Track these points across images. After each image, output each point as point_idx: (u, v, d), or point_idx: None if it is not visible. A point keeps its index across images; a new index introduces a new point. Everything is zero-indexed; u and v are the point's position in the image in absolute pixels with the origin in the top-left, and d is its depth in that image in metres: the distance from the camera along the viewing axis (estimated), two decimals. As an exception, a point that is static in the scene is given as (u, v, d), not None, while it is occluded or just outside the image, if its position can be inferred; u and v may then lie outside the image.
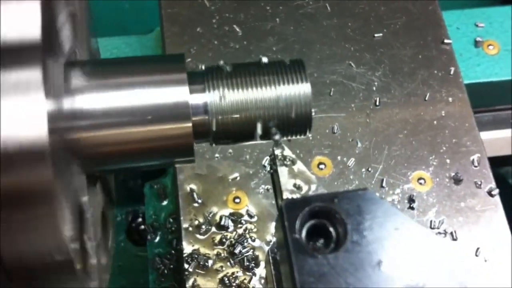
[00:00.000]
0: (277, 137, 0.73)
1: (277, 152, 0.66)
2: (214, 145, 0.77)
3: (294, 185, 0.60)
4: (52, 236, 0.61)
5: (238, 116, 0.72)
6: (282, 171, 0.62)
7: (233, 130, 0.73)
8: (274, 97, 0.72)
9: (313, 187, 0.58)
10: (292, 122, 0.73)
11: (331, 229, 0.51)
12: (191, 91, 0.71)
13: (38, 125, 0.57)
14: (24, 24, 0.58)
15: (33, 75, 0.57)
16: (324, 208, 0.50)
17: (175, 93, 0.71)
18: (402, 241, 0.50)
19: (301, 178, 0.60)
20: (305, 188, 0.58)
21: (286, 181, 0.59)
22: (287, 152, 0.66)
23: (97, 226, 0.81)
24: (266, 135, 0.75)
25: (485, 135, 1.45)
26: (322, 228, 0.51)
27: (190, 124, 0.71)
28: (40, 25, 0.59)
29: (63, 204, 0.61)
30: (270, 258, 0.63)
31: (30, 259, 0.62)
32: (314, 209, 0.50)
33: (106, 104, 0.70)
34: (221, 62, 0.76)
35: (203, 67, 0.76)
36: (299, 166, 0.63)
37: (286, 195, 0.57)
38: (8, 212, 0.58)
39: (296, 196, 0.57)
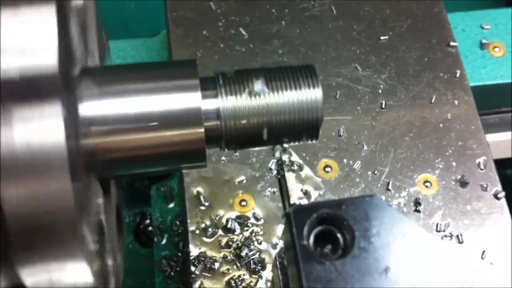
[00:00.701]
0: (285, 143, 0.74)
1: (285, 157, 0.67)
2: (225, 150, 0.78)
3: (301, 190, 0.60)
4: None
5: (250, 121, 0.73)
6: (289, 177, 0.62)
7: (245, 135, 0.74)
8: (286, 103, 0.73)
9: (321, 192, 0.58)
10: (302, 128, 0.74)
11: (339, 235, 0.51)
12: (203, 97, 0.72)
13: (55, 132, 0.57)
14: (40, 43, 0.57)
15: (49, 84, 0.57)
16: (331, 214, 0.51)
17: (188, 99, 0.72)
18: (409, 247, 0.51)
19: (309, 183, 0.60)
20: (313, 193, 0.58)
21: (293, 186, 0.59)
22: (295, 157, 0.66)
23: (113, 228, 0.81)
24: (275, 140, 0.75)
25: (491, 137, 1.45)
26: (330, 234, 0.51)
27: (202, 130, 0.72)
28: (57, 42, 0.58)
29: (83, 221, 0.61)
30: (278, 262, 0.63)
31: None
32: (322, 215, 0.51)
33: (119, 110, 0.70)
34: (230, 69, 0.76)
35: (215, 73, 0.76)
36: (306, 171, 0.63)
37: (293, 200, 0.58)
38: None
39: (303, 201, 0.57)
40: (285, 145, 0.71)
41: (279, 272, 0.63)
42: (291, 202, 0.58)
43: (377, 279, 0.49)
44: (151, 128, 0.71)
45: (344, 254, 0.50)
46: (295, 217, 0.51)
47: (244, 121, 0.73)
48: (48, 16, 0.58)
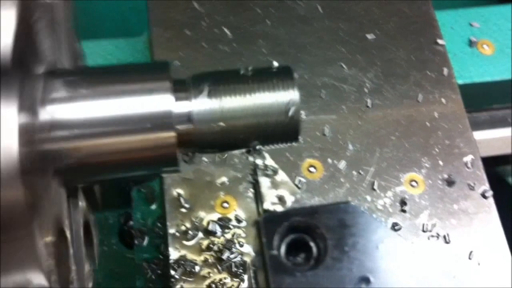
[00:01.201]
0: (257, 146, 0.72)
1: (259, 161, 0.65)
2: (194, 153, 0.76)
3: (276, 195, 0.58)
4: (30, 263, 0.59)
5: (223, 124, 0.71)
6: (263, 182, 0.60)
7: (218, 139, 0.72)
8: (260, 105, 0.71)
9: (297, 197, 0.56)
10: (278, 131, 0.72)
11: (312, 244, 0.49)
12: (176, 99, 0.70)
13: (8, 138, 0.55)
14: None
15: (4, 88, 0.55)
16: (303, 222, 0.48)
17: (158, 102, 0.70)
18: (387, 256, 0.48)
19: (284, 188, 0.58)
20: (288, 198, 0.56)
21: (267, 192, 0.57)
22: (269, 161, 0.64)
23: (79, 237, 0.79)
24: (251, 143, 0.73)
25: (482, 135, 1.44)
26: (303, 242, 0.49)
27: (173, 134, 0.69)
28: (13, 38, 0.56)
29: (39, 227, 0.59)
30: (251, 271, 0.61)
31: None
32: (294, 223, 0.48)
33: (86, 114, 0.68)
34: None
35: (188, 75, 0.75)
36: (281, 176, 0.61)
37: (267, 206, 0.55)
38: None
39: (278, 207, 0.55)
40: (259, 147, 0.68)
41: (253, 281, 0.61)
42: (265, 207, 0.56)
43: (351, 292, 0.47)
44: (119, 132, 0.69)
45: (317, 264, 0.48)
46: (265, 226, 0.49)
47: (217, 124, 0.71)
48: (6, 14, 0.57)
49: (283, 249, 0.50)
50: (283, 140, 0.75)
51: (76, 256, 0.76)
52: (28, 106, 0.60)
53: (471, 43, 1.38)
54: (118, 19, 1.57)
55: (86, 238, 0.83)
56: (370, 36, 1.23)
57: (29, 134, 0.59)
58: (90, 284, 0.85)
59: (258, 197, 0.64)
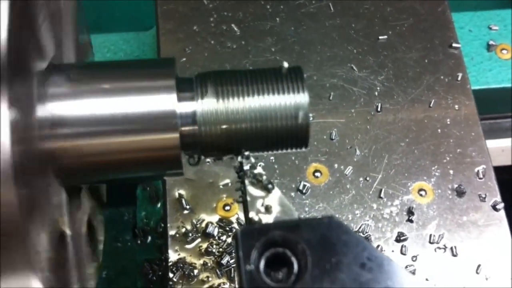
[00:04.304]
0: (270, 151, 0.69)
1: (246, 168, 0.62)
2: (203, 157, 0.73)
3: (262, 205, 0.55)
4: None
5: (229, 127, 0.67)
6: (251, 190, 0.57)
7: (223, 142, 0.68)
8: (268, 108, 0.68)
9: (285, 209, 0.53)
10: (286, 135, 0.69)
11: (293, 260, 0.46)
12: (180, 99, 0.67)
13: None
14: None
15: None
16: (283, 237, 0.46)
17: (162, 101, 0.67)
18: (371, 278, 0.46)
19: (271, 198, 0.55)
20: (275, 209, 0.53)
21: (253, 200, 0.54)
22: (258, 169, 0.61)
23: (80, 240, 0.77)
24: (258, 148, 0.70)
25: (499, 143, 1.39)
26: (285, 257, 0.47)
27: (177, 135, 0.67)
28: (7, 32, 0.54)
29: (35, 230, 0.57)
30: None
31: None
32: (273, 238, 0.46)
33: (87, 111, 0.66)
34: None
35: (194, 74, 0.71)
36: (276, 193, 0.58)
37: (252, 215, 0.53)
38: None
39: (264, 216, 0.52)
40: (248, 154, 0.65)
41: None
42: (250, 216, 0.54)
43: (330, 313, 0.44)
44: (121, 131, 0.67)
45: (297, 281, 0.45)
46: (242, 239, 0.46)
47: (222, 127, 0.67)
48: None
49: (262, 264, 0.47)
50: (291, 145, 0.71)
51: (77, 258, 0.74)
52: (23, 102, 0.58)
53: (489, 47, 1.34)
54: (129, 13, 1.55)
55: (89, 238, 0.81)
56: (382, 37, 1.19)
57: (24, 131, 0.57)
58: (93, 284, 0.84)
59: (244, 206, 0.61)
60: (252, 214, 0.56)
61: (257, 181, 0.60)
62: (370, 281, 0.45)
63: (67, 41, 0.78)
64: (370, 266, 0.45)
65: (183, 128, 0.67)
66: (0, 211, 0.53)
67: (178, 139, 0.67)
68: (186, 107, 0.68)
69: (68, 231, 0.71)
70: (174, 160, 0.69)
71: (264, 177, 0.60)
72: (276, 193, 0.60)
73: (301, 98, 0.69)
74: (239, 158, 0.65)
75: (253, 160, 0.66)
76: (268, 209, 0.54)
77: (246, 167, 0.63)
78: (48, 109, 0.64)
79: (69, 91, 0.66)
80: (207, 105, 0.67)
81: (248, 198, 0.57)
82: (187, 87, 0.69)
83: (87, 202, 0.81)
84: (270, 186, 0.60)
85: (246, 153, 0.65)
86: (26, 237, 0.56)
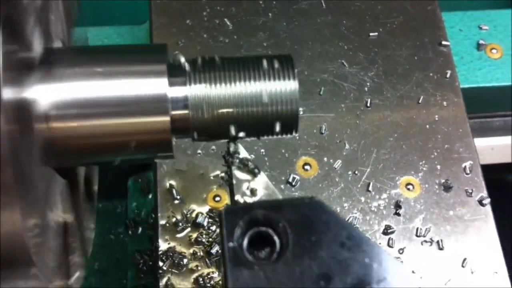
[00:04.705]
0: (260, 137, 0.70)
1: (232, 150, 0.63)
2: (193, 141, 0.74)
3: (248, 188, 0.57)
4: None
5: (220, 111, 0.69)
6: (237, 173, 0.59)
7: (215, 127, 0.70)
8: (258, 93, 0.69)
9: (270, 192, 0.54)
10: (276, 121, 0.70)
11: (276, 238, 0.47)
12: (171, 84, 0.68)
13: None
14: None
15: None
16: (266, 216, 0.47)
17: (153, 85, 0.68)
18: (349, 257, 0.47)
19: (257, 182, 0.56)
20: (260, 192, 0.55)
21: (239, 183, 0.56)
22: (243, 153, 0.62)
23: (80, 219, 0.78)
24: (248, 133, 0.71)
25: (489, 141, 1.41)
26: (267, 236, 0.48)
27: (168, 119, 0.68)
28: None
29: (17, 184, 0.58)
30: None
31: None
32: (256, 216, 0.47)
33: (78, 93, 0.67)
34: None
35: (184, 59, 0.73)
36: (262, 178, 0.59)
37: (237, 197, 0.54)
38: None
39: (248, 200, 0.54)
40: (239, 135, 0.66)
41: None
42: (235, 199, 0.55)
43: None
44: (111, 114, 0.68)
45: (279, 259, 0.47)
46: (226, 217, 0.47)
47: (213, 112, 0.69)
48: None
49: (245, 242, 0.48)
50: (281, 131, 0.72)
51: (68, 244, 0.75)
52: (14, 83, 0.58)
53: (479, 46, 1.36)
54: (124, 7, 1.56)
55: (88, 202, 0.82)
56: (372, 34, 1.21)
57: (16, 113, 0.58)
58: (78, 274, 0.84)
59: (230, 189, 0.62)
60: (237, 197, 0.58)
61: (244, 165, 0.61)
62: (348, 259, 0.46)
63: (59, 27, 0.78)
64: (349, 245, 0.46)
65: (174, 112, 0.68)
66: None
67: (169, 123, 0.68)
68: (177, 91, 0.69)
69: (67, 217, 0.72)
70: (165, 144, 0.70)
71: (250, 162, 0.61)
72: (262, 177, 0.61)
73: (291, 84, 0.70)
74: (227, 143, 0.66)
75: (240, 146, 0.67)
76: (253, 192, 0.56)
77: (232, 149, 0.64)
78: (38, 93, 0.65)
79: (60, 73, 0.67)
80: (198, 90, 0.68)
81: (234, 182, 0.58)
82: (178, 72, 0.70)
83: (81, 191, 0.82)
84: (256, 170, 0.61)
85: (236, 136, 0.66)
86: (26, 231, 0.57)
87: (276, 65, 0.70)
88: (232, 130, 0.70)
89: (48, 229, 0.66)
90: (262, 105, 0.69)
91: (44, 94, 0.65)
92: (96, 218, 0.91)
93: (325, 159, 1.09)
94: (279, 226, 0.47)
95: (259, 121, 0.70)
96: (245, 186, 0.59)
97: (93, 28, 1.34)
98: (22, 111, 0.60)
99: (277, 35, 1.20)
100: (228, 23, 1.20)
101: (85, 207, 0.84)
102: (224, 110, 0.68)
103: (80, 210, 0.80)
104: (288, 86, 0.69)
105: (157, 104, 0.68)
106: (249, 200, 0.57)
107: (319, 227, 0.47)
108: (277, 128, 0.71)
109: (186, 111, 0.69)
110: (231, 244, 0.46)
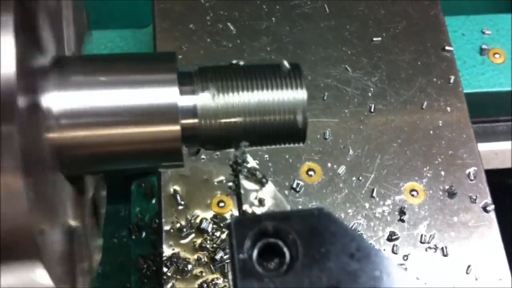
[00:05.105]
0: (268, 145, 0.70)
1: (240, 160, 0.63)
2: (204, 149, 0.74)
3: (256, 198, 0.56)
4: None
5: (228, 120, 0.69)
6: (245, 183, 0.58)
7: (223, 136, 0.70)
8: (268, 102, 0.69)
9: (278, 202, 0.54)
10: (284, 130, 0.70)
11: (285, 250, 0.47)
12: (181, 93, 0.68)
13: (7, 125, 0.53)
14: None
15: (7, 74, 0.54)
16: (275, 227, 0.47)
17: (164, 94, 0.68)
18: (358, 268, 0.47)
19: (265, 192, 0.56)
20: (268, 202, 0.54)
21: (247, 193, 0.56)
22: (251, 163, 0.62)
23: (87, 229, 0.78)
24: (256, 142, 0.71)
25: (492, 146, 1.41)
26: (277, 248, 0.48)
27: (178, 128, 0.68)
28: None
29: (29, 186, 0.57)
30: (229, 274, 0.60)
31: None
32: (266, 228, 0.47)
33: (89, 102, 0.67)
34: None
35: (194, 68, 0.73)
36: (263, 180, 0.59)
37: (245, 207, 0.54)
38: None
39: (256, 210, 0.53)
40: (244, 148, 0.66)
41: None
42: (243, 209, 0.55)
43: (319, 300, 0.45)
44: (122, 123, 0.68)
45: (289, 270, 0.46)
46: (235, 229, 0.47)
47: (222, 121, 0.69)
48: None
49: (255, 253, 0.48)
50: (289, 140, 0.72)
51: (75, 252, 0.75)
52: (28, 90, 0.58)
53: (482, 51, 1.35)
54: (127, 11, 1.56)
55: (93, 213, 0.82)
56: (376, 39, 1.21)
57: (28, 122, 0.58)
58: (84, 283, 0.84)
59: (238, 198, 0.62)
60: (245, 207, 0.57)
61: (251, 175, 0.61)
62: (357, 270, 0.46)
63: (69, 34, 0.79)
64: (358, 256, 0.46)
65: (183, 121, 0.68)
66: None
67: (179, 132, 0.68)
68: (187, 100, 0.69)
69: (75, 224, 0.72)
70: (175, 152, 0.70)
71: (258, 172, 0.61)
72: (270, 187, 0.61)
73: (300, 94, 0.70)
74: (234, 152, 0.66)
75: (248, 155, 0.67)
76: (261, 202, 0.55)
77: (240, 159, 0.64)
78: (51, 101, 0.65)
79: (70, 82, 0.67)
80: (207, 99, 0.69)
81: (242, 191, 0.58)
82: (187, 81, 0.70)
83: (90, 182, 0.81)
84: (264, 180, 0.61)
85: (243, 147, 0.66)
86: (37, 232, 0.57)
87: (284, 74, 0.70)
88: (240, 139, 0.69)
89: (57, 234, 0.66)
90: (270, 115, 0.69)
91: (56, 102, 0.66)
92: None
93: (329, 164, 1.09)
94: (289, 238, 0.47)
95: (267, 131, 0.70)
96: (253, 196, 0.58)
97: (96, 31, 1.33)
98: (35, 118, 0.60)
99: (280, 40, 1.20)
100: (231, 27, 1.20)
101: (92, 225, 0.84)
102: (233, 120, 0.68)
103: (87, 220, 0.80)
104: (296, 95, 0.69)
105: (168, 113, 0.68)
106: (258, 210, 0.56)
107: (328, 238, 0.47)
108: (284, 137, 0.71)
109: (195, 120, 0.69)
110: (241, 256, 0.46)
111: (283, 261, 0.47)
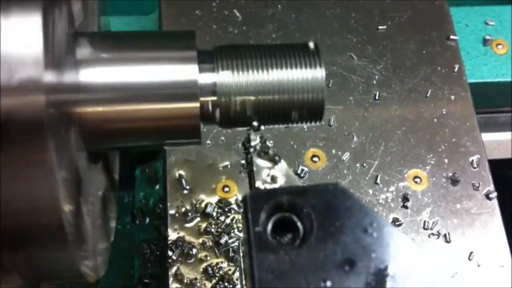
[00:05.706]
0: (286, 124, 0.70)
1: (253, 139, 0.63)
2: (220, 128, 0.74)
3: (268, 175, 0.57)
4: (45, 189, 0.57)
5: (247, 98, 0.69)
6: (258, 160, 0.59)
7: (241, 113, 0.70)
8: (286, 81, 0.69)
9: (290, 180, 0.55)
10: (303, 108, 0.70)
11: (299, 224, 0.48)
12: (200, 70, 0.69)
13: (35, 97, 0.54)
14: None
15: (33, 46, 0.54)
16: (290, 201, 0.47)
17: (184, 71, 0.68)
18: (372, 242, 0.47)
19: (279, 169, 0.57)
20: (280, 179, 0.55)
21: (260, 170, 0.56)
22: (266, 142, 0.63)
23: (96, 204, 0.78)
24: (275, 120, 0.71)
25: (495, 136, 1.42)
26: (291, 222, 0.48)
27: (198, 105, 0.68)
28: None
29: (57, 161, 0.58)
30: (241, 251, 0.60)
31: (21, 216, 0.59)
32: (281, 202, 0.47)
33: (110, 78, 0.67)
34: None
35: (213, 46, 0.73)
36: (276, 158, 0.59)
37: (258, 184, 0.54)
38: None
39: (268, 187, 0.54)
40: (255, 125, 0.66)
41: (242, 260, 0.60)
42: (256, 186, 0.55)
43: (333, 272, 0.46)
44: (143, 99, 0.68)
45: (302, 244, 0.47)
46: (251, 202, 0.48)
47: (240, 98, 0.69)
48: None
49: (269, 227, 0.49)
50: (306, 119, 0.73)
51: (91, 229, 0.75)
52: (54, 65, 0.59)
53: (485, 42, 1.36)
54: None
55: (103, 213, 0.82)
56: (381, 27, 1.21)
57: (54, 95, 0.58)
58: (103, 259, 0.84)
59: (251, 176, 0.62)
60: (258, 184, 0.58)
61: (264, 153, 0.61)
62: (371, 245, 0.47)
63: (91, 17, 0.79)
64: (372, 231, 0.47)
65: (202, 98, 0.69)
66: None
67: (198, 109, 0.68)
68: (206, 78, 0.69)
69: (85, 179, 0.72)
70: (193, 129, 0.71)
71: (271, 150, 0.62)
72: (282, 165, 0.61)
73: (318, 72, 0.70)
74: (247, 131, 0.67)
75: (262, 136, 0.67)
76: (274, 179, 0.56)
77: (253, 137, 0.65)
78: (75, 75, 0.66)
79: (93, 58, 0.67)
80: (226, 77, 0.69)
81: (255, 168, 0.59)
82: (207, 59, 0.70)
83: (102, 175, 0.82)
84: (277, 158, 0.62)
85: (261, 123, 0.66)
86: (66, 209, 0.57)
87: (303, 53, 0.70)
88: (258, 117, 0.70)
89: (81, 210, 0.66)
90: (289, 93, 0.69)
91: (78, 78, 0.66)
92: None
93: (334, 151, 1.10)
94: (303, 212, 0.47)
95: (285, 109, 0.70)
96: (265, 173, 0.59)
97: (101, 17, 1.33)
98: (59, 94, 0.61)
99: (285, 27, 1.20)
100: (237, 14, 1.20)
101: (108, 195, 0.85)
102: (252, 97, 0.69)
103: (105, 194, 0.81)
104: (315, 74, 0.70)
105: (188, 90, 0.68)
106: (270, 187, 0.57)
107: (342, 212, 0.47)
108: (302, 116, 0.71)
109: (214, 98, 0.69)
110: (257, 228, 0.46)
111: (297, 236, 0.48)
